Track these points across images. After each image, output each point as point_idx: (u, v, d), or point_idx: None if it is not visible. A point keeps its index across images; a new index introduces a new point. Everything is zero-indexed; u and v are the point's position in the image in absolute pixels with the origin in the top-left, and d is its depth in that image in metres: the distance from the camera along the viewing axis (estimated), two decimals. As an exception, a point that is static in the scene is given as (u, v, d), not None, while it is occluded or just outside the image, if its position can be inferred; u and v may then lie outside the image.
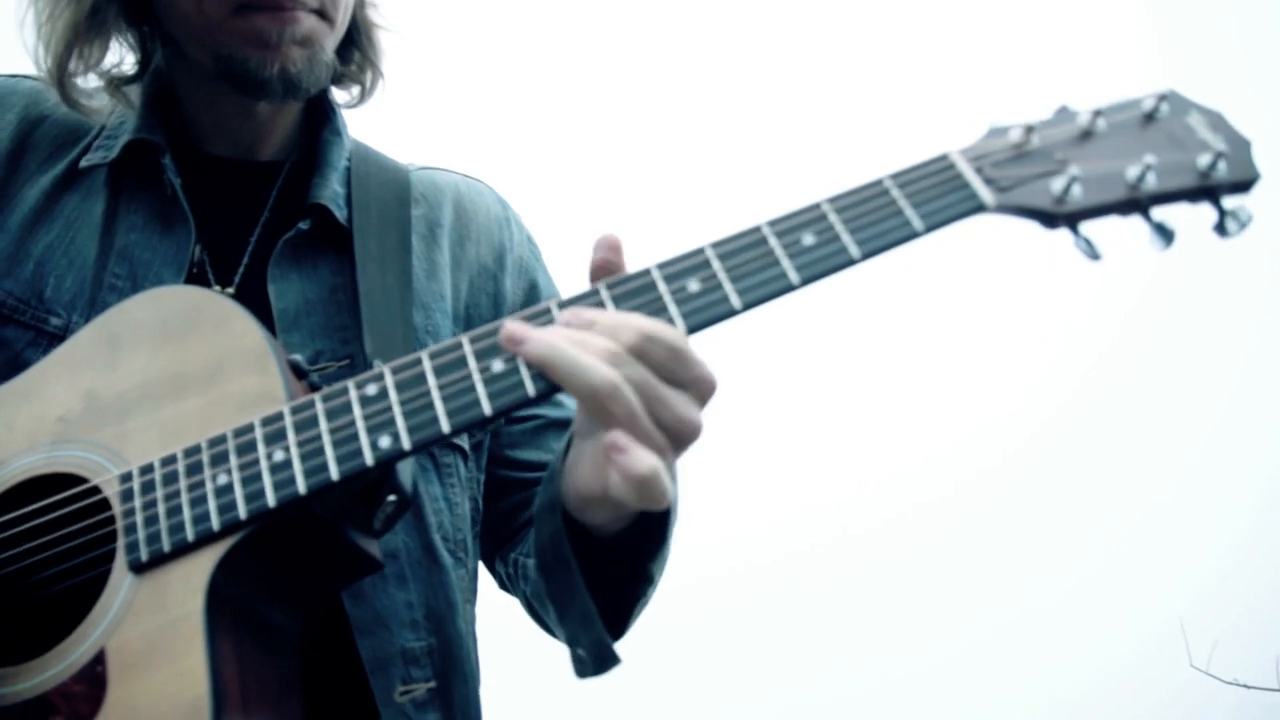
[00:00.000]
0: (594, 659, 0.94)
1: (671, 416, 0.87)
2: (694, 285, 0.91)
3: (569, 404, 1.42)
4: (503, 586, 1.40)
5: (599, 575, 0.97)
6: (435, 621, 1.22)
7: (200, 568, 0.91)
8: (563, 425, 1.41)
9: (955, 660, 4.29)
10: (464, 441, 1.31)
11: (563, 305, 0.93)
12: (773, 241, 0.92)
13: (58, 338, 1.14)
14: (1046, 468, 4.37)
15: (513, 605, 1.43)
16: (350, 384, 0.95)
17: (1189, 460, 4.35)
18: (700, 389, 0.89)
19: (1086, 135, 0.97)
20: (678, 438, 0.88)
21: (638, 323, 0.87)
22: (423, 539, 1.22)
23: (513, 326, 0.89)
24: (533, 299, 1.42)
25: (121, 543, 0.94)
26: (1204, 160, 0.94)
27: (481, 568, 1.40)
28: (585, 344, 0.87)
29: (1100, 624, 4.37)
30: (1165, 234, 0.95)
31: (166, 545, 0.92)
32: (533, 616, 1.33)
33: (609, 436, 0.85)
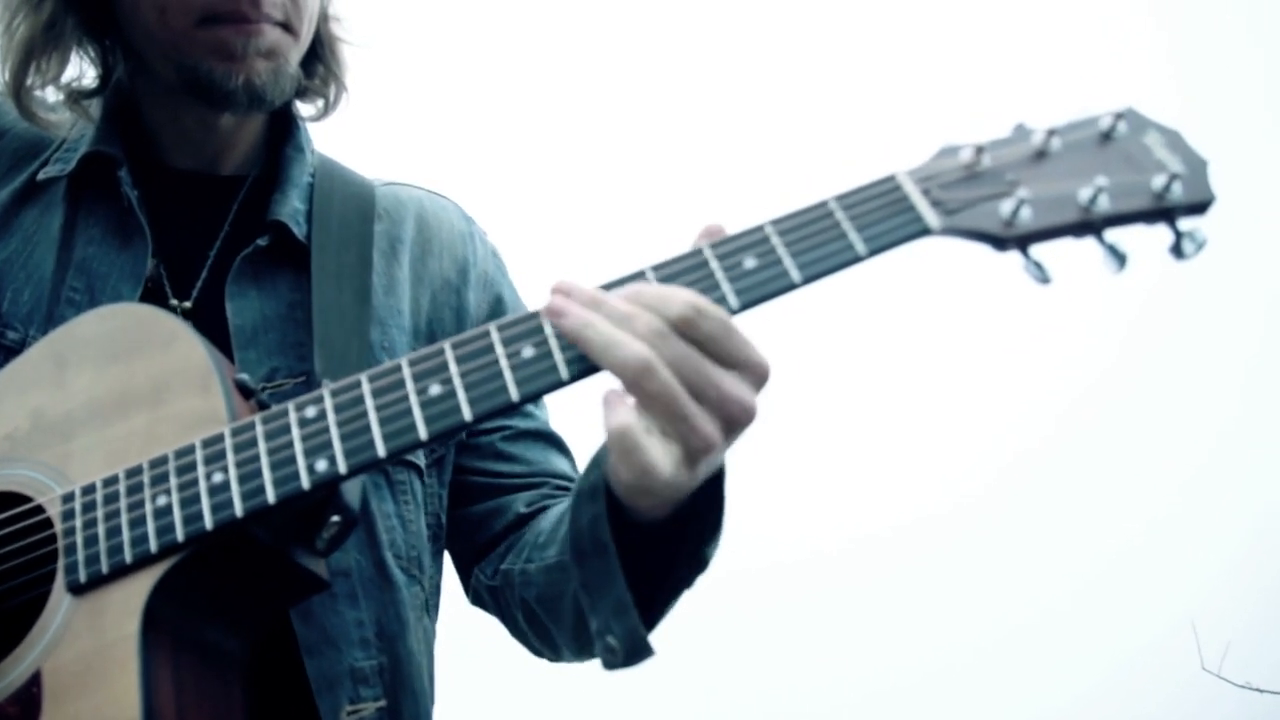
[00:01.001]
0: (626, 650, 0.92)
1: (719, 396, 0.84)
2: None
3: (538, 414, 1.42)
4: (477, 600, 1.38)
5: (639, 566, 0.94)
6: (386, 640, 1.21)
7: (137, 590, 0.91)
8: (535, 435, 1.40)
9: (965, 663, 4.27)
10: (420, 458, 1.30)
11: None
12: (714, 264, 0.91)
13: (14, 351, 1.14)
14: (1057, 469, 4.33)
15: (473, 622, 1.41)
16: (290, 405, 0.94)
17: (1201, 461, 4.30)
18: (754, 372, 0.86)
19: (1040, 155, 0.95)
20: (729, 420, 0.85)
21: (687, 296, 0.85)
22: (374, 556, 1.22)
23: (558, 300, 0.88)
24: (498, 312, 1.41)
25: (61, 563, 0.94)
26: (1159, 182, 0.92)
27: (447, 583, 1.39)
28: (628, 319, 0.85)
29: (1111, 626, 4.34)
30: (1118, 257, 0.93)
31: (105, 567, 0.92)
32: (526, 629, 1.28)
33: (606, 394, 0.84)
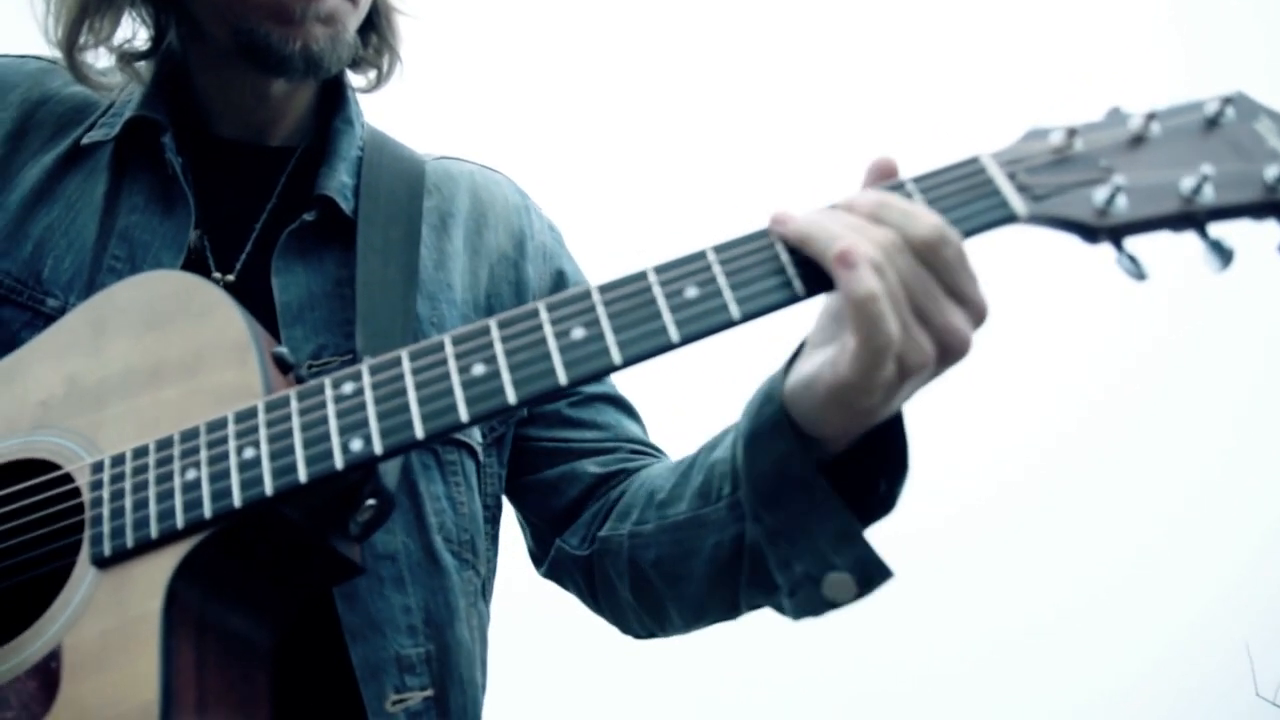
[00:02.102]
0: (861, 577, 0.91)
1: (943, 322, 0.83)
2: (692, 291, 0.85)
3: (604, 384, 1.36)
4: (552, 573, 1.32)
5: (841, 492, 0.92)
6: (434, 627, 1.16)
7: (162, 567, 0.87)
8: (604, 398, 1.35)
9: (994, 670, 4.16)
10: (474, 437, 1.26)
11: (604, 289, 0.87)
12: (776, 248, 0.85)
13: (54, 319, 1.11)
14: (1098, 472, 4.20)
15: (523, 609, 1.37)
16: (327, 380, 0.90)
17: (1266, 478, 4.15)
18: (976, 311, 0.85)
19: (1138, 141, 0.88)
20: (946, 348, 0.83)
21: (934, 219, 0.83)
22: (423, 540, 1.17)
23: (782, 210, 0.86)
24: (560, 286, 1.37)
25: (87, 534, 0.91)
26: (1272, 172, 0.84)
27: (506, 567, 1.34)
28: (864, 228, 0.83)
29: (1164, 649, 4.21)
30: (1222, 253, 0.85)
31: (130, 540, 0.88)
32: (629, 598, 1.20)
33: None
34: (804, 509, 0.91)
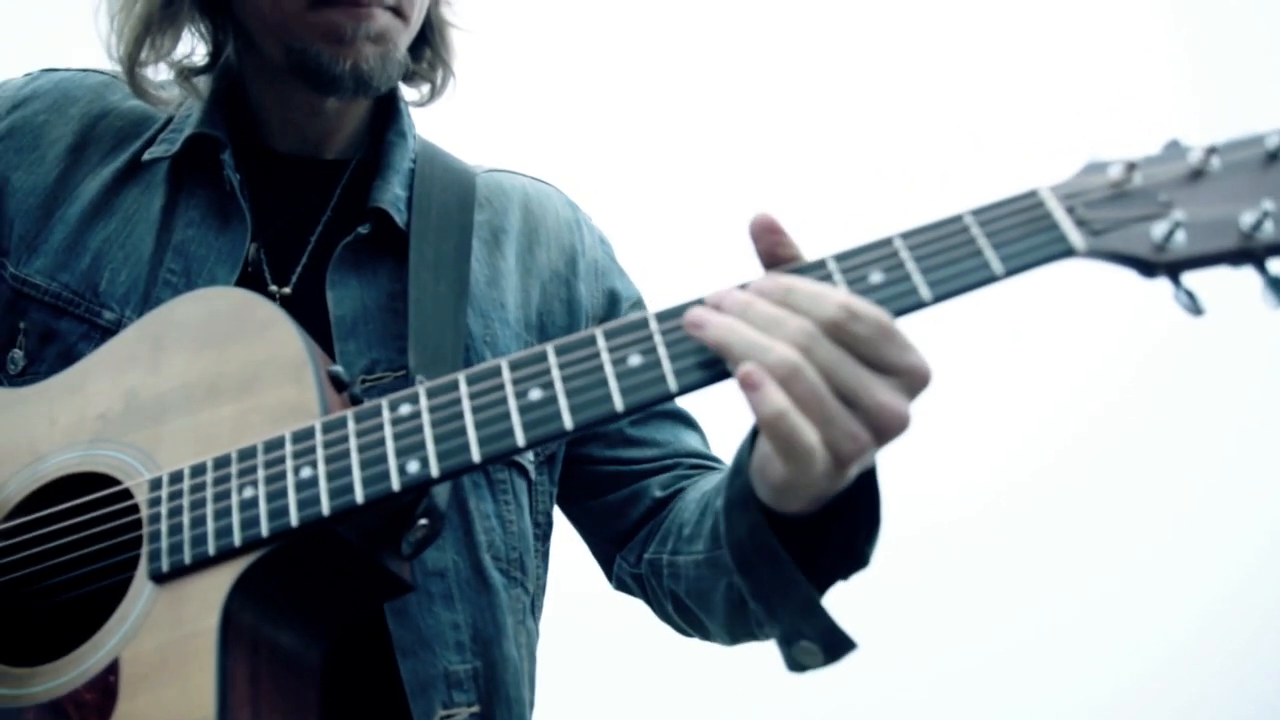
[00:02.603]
0: (825, 648, 0.89)
1: (871, 402, 0.80)
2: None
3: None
4: (621, 586, 1.36)
5: (809, 561, 0.91)
6: (482, 644, 1.18)
7: (219, 583, 0.88)
8: (662, 414, 1.36)
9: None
10: (526, 457, 1.27)
11: (660, 318, 0.87)
12: (838, 278, 0.85)
13: (110, 332, 1.13)
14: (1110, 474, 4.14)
15: (571, 625, 1.38)
16: (384, 402, 0.91)
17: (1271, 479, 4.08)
18: (911, 378, 0.81)
19: (1197, 175, 0.88)
20: (879, 428, 0.80)
21: (840, 297, 0.81)
22: (472, 558, 1.19)
23: (697, 312, 0.85)
24: (613, 303, 1.38)
25: (145, 550, 0.92)
26: (1332, 209, 0.84)
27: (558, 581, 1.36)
28: (778, 322, 0.81)
29: (1165, 650, 4.13)
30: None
31: (187, 557, 0.90)
32: (675, 616, 1.25)
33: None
34: (773, 578, 0.90)
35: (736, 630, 1.12)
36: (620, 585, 1.36)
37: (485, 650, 1.18)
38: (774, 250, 0.88)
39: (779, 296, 0.83)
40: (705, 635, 1.24)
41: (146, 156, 1.23)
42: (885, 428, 0.80)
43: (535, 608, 1.30)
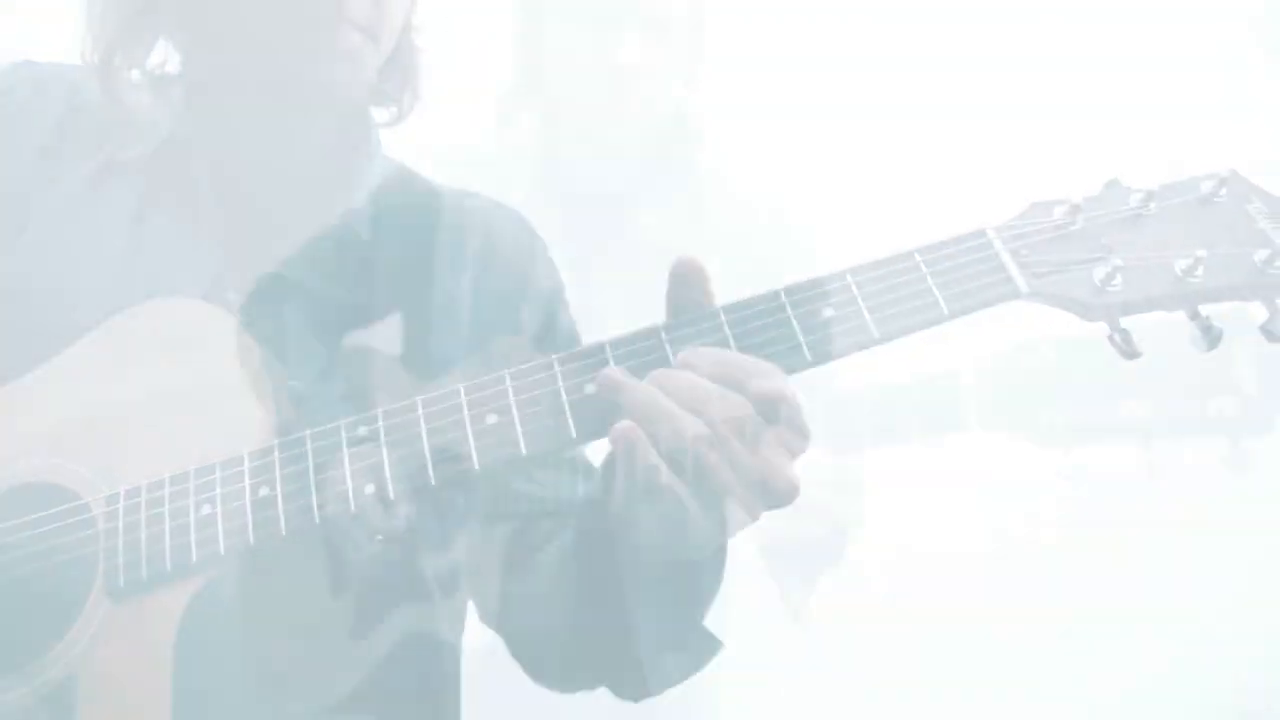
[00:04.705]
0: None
1: (765, 475, 0.83)
2: None
3: None
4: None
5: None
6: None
7: (176, 600, 0.90)
8: None
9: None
10: None
11: (615, 345, 0.89)
12: (789, 312, 0.88)
13: (73, 337, 1.12)
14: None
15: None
16: (342, 425, 0.92)
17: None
18: (796, 445, 0.85)
19: (1135, 219, 0.91)
20: (774, 499, 0.84)
21: (773, 385, 0.84)
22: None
23: (611, 373, 0.86)
24: (550, 331, 1.37)
25: (102, 566, 0.93)
26: (1260, 256, 0.87)
27: None
28: (704, 404, 0.83)
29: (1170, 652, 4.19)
30: (1211, 335, 0.88)
31: (144, 573, 0.91)
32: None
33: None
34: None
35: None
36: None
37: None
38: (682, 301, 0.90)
39: (714, 370, 0.85)
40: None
41: (119, 159, 1.22)
42: (780, 496, 0.84)
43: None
